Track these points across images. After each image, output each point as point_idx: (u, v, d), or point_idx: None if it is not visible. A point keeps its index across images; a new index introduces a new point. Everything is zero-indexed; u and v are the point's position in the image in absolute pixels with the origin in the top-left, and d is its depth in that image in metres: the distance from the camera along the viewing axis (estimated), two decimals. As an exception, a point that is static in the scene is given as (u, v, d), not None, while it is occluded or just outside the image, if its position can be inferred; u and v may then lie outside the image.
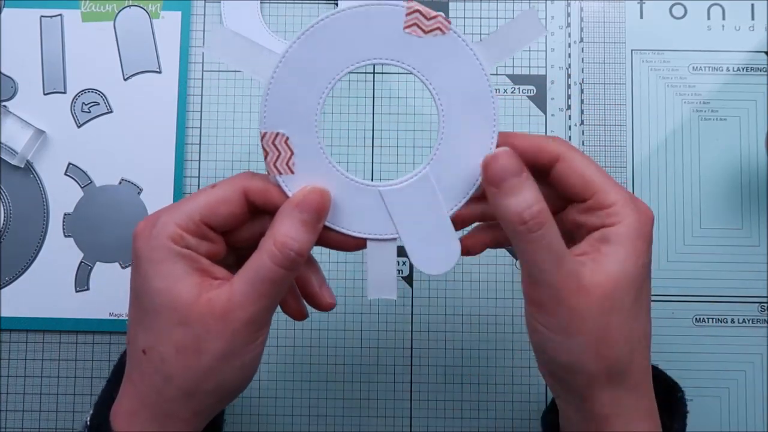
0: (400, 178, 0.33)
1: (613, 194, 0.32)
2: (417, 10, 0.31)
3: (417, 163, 0.47)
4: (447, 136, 0.32)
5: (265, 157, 0.32)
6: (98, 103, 0.47)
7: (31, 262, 0.46)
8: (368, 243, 0.33)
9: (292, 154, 0.32)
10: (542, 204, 0.30)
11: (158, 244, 0.31)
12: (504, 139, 0.32)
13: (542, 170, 0.33)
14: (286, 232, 0.31)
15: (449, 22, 0.32)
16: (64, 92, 0.47)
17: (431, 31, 0.31)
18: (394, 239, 0.33)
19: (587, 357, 0.31)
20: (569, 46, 0.48)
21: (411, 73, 0.32)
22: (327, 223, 0.33)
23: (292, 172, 0.32)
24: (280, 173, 0.32)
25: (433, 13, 0.31)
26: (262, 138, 0.32)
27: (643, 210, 0.32)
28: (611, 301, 0.30)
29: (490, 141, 0.32)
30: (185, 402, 0.31)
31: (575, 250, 0.32)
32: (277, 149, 0.32)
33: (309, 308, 0.46)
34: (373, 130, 0.47)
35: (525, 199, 0.30)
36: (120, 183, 0.47)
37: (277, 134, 0.32)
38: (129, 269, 0.46)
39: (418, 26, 0.31)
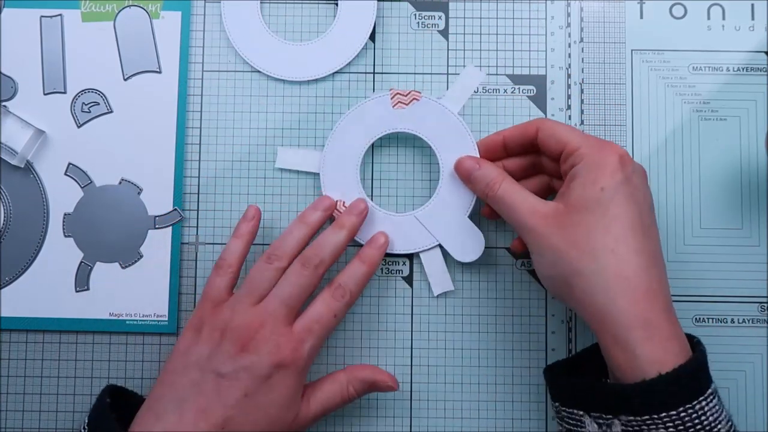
0: (425, 204, 0.46)
1: (577, 141, 0.39)
2: (397, 93, 0.46)
3: (425, 171, 0.47)
4: (445, 163, 0.45)
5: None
6: (98, 103, 0.47)
7: (31, 262, 0.46)
8: (421, 255, 0.46)
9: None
10: (494, 175, 0.42)
11: (302, 369, 0.40)
12: (496, 135, 0.44)
13: (532, 144, 0.42)
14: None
15: (420, 93, 0.45)
16: (64, 92, 0.47)
17: (411, 101, 0.46)
18: (437, 245, 0.46)
19: (558, 267, 0.38)
20: (569, 46, 0.48)
21: (414, 134, 0.46)
22: (387, 251, 0.45)
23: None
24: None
25: (407, 91, 0.46)
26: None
27: (607, 147, 0.39)
28: (570, 219, 0.38)
29: (474, 153, 0.45)
30: None
31: (557, 196, 0.40)
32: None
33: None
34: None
35: (483, 177, 0.42)
36: (120, 183, 0.47)
37: (337, 201, 0.45)
38: (129, 269, 0.46)
39: (401, 102, 0.46)
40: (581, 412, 0.37)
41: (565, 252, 0.37)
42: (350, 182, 0.46)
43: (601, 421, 0.36)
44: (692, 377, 0.35)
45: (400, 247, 0.46)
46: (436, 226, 0.45)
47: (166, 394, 0.38)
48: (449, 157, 0.45)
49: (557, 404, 0.39)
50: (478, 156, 0.44)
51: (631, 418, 0.35)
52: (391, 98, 0.45)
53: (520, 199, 0.40)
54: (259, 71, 0.48)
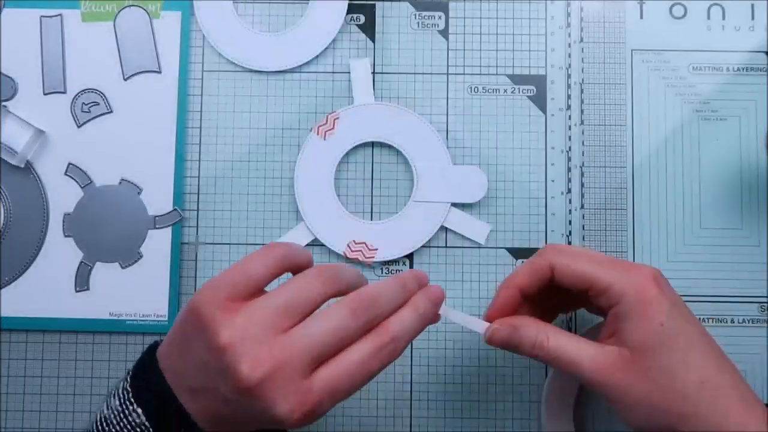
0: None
1: (605, 278, 0.36)
2: (318, 126, 0.46)
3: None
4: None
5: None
6: (98, 103, 0.47)
7: (31, 262, 0.46)
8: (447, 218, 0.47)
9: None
10: (536, 332, 0.37)
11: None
12: (508, 288, 0.39)
13: (551, 284, 0.39)
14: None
15: (336, 112, 0.46)
16: (64, 92, 0.47)
17: (334, 123, 0.47)
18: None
19: (654, 418, 0.35)
20: (569, 46, 0.48)
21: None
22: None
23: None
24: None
25: (324, 119, 0.46)
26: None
27: (641, 276, 0.36)
28: (644, 365, 0.35)
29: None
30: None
31: (603, 334, 0.37)
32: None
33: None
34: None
35: (527, 339, 0.37)
36: (120, 183, 0.47)
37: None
38: (129, 269, 0.46)
39: (327, 130, 0.46)
40: None
41: (656, 401, 0.35)
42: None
43: None
44: None
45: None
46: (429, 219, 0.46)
47: (181, 370, 0.34)
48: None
49: None
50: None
51: None
52: (317, 134, 0.46)
53: (576, 353, 0.36)
54: (259, 71, 0.48)
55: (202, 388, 0.33)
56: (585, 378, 0.36)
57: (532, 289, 0.39)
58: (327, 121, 0.46)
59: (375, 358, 0.32)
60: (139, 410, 0.33)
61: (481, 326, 0.39)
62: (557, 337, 0.37)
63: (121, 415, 0.33)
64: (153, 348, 0.36)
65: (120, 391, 0.34)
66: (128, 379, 0.34)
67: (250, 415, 0.32)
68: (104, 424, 0.34)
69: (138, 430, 0.33)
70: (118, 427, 0.33)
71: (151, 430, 0.33)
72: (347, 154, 0.47)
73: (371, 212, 0.47)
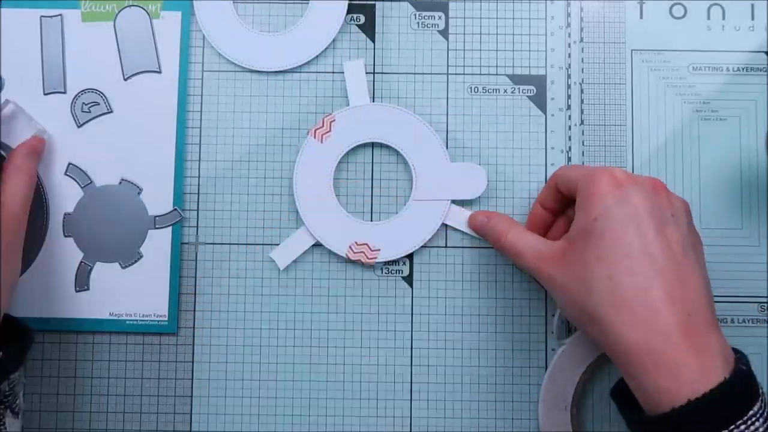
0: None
1: (574, 176, 0.39)
2: (315, 129, 0.46)
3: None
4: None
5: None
6: (98, 103, 0.47)
7: (31, 262, 0.46)
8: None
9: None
10: (502, 226, 0.42)
11: None
12: (534, 207, 0.45)
13: (557, 193, 0.42)
14: None
15: (331, 114, 0.46)
16: (64, 92, 0.47)
17: (330, 125, 0.47)
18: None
19: (571, 306, 0.37)
20: (569, 46, 0.48)
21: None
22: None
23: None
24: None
25: (321, 121, 0.46)
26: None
27: (599, 173, 0.37)
28: (571, 255, 0.37)
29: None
30: None
31: None
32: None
33: (307, 308, 0.46)
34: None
35: (492, 229, 0.43)
36: (120, 183, 0.47)
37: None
38: (129, 269, 0.46)
39: (324, 133, 0.46)
40: None
41: (570, 289, 0.37)
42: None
43: None
44: (716, 405, 0.32)
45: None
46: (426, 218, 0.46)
47: None
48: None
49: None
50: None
51: None
52: (314, 137, 0.46)
53: (526, 246, 0.40)
54: (259, 71, 0.48)
55: None
56: (526, 266, 0.40)
57: (549, 201, 0.43)
58: (323, 123, 0.46)
59: None
60: None
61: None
62: (517, 232, 0.41)
63: None
64: None
65: None
66: None
67: None
68: None
69: None
70: None
71: None
72: (345, 155, 0.47)
73: (371, 212, 0.47)
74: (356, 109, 0.47)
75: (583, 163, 0.47)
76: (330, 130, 0.46)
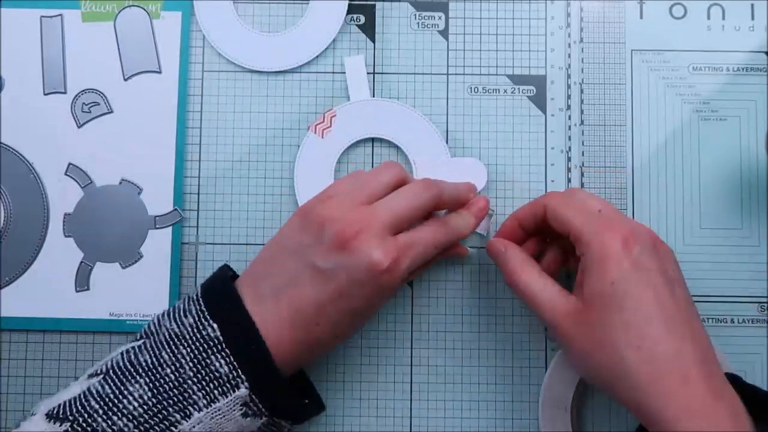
0: None
1: (578, 226, 0.38)
2: (315, 125, 0.46)
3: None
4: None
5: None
6: (98, 103, 0.47)
7: (31, 262, 0.46)
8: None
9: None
10: (515, 264, 0.40)
11: (397, 284, 0.38)
12: (511, 219, 0.43)
13: (545, 223, 0.41)
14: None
15: (332, 109, 0.47)
16: (64, 92, 0.47)
17: (330, 121, 0.47)
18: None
19: (590, 370, 0.37)
20: (569, 46, 0.48)
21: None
22: None
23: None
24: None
25: (321, 116, 0.47)
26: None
27: (610, 231, 0.37)
28: (590, 318, 0.36)
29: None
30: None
31: (575, 285, 0.39)
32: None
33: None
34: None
35: (506, 264, 0.41)
36: (120, 183, 0.47)
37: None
38: (129, 269, 0.46)
39: (324, 128, 0.47)
40: None
41: (592, 355, 0.36)
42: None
43: None
44: None
45: None
46: None
47: (266, 277, 0.39)
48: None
49: None
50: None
51: None
52: (315, 132, 0.47)
53: (540, 293, 0.39)
54: (259, 71, 0.48)
55: (292, 280, 0.38)
56: (543, 319, 0.39)
57: (528, 223, 0.42)
58: (324, 119, 0.46)
59: (439, 233, 0.40)
60: (215, 325, 0.37)
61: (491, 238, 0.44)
62: (531, 272, 0.40)
63: (195, 329, 0.37)
64: (222, 274, 0.40)
65: (194, 311, 0.37)
66: (200, 302, 0.38)
67: (341, 283, 0.37)
68: (177, 340, 0.37)
69: (211, 343, 0.36)
70: (191, 341, 0.37)
71: (223, 343, 0.36)
72: (346, 150, 0.47)
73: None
74: (357, 104, 0.47)
75: (582, 164, 0.47)
76: (330, 126, 0.46)
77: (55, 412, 0.36)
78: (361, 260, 0.37)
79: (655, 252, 0.37)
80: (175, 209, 0.47)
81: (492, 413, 0.46)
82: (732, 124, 0.47)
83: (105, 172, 0.47)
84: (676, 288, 0.37)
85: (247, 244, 0.47)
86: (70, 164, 0.47)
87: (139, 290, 0.46)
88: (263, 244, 0.46)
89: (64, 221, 0.47)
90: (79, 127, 0.47)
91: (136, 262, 0.46)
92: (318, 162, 0.47)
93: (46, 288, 0.46)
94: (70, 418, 0.35)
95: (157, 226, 0.47)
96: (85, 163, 0.47)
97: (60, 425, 0.35)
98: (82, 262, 0.46)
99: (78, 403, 0.36)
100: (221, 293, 0.38)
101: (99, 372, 0.37)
